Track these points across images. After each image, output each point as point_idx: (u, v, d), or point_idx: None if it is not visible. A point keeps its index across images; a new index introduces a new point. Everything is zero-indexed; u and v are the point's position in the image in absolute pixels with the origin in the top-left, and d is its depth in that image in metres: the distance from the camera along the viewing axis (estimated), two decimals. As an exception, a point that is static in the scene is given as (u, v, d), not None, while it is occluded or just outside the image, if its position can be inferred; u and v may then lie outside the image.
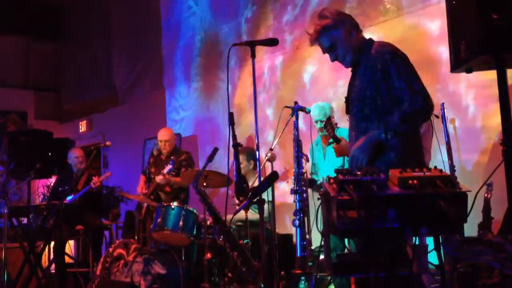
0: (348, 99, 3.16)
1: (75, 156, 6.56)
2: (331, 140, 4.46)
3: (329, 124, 3.74)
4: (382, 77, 2.90)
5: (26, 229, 6.08)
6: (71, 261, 6.84)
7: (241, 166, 5.16)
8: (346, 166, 4.23)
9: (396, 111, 2.85)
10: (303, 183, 3.96)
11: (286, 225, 5.59)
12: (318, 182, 4.83)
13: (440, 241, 2.28)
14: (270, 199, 4.48)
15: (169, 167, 5.36)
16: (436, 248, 2.26)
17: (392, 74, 2.88)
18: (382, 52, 2.95)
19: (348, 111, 3.17)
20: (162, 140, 5.94)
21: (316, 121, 4.87)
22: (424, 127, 4.16)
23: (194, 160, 6.20)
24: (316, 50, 3.31)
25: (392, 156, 2.84)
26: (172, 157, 5.65)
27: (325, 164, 4.89)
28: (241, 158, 5.28)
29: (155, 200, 5.64)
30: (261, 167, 3.33)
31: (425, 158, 3.16)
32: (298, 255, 3.82)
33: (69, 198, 5.97)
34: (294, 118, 4.11)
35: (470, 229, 3.72)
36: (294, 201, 3.88)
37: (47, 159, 7.52)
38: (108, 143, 6.19)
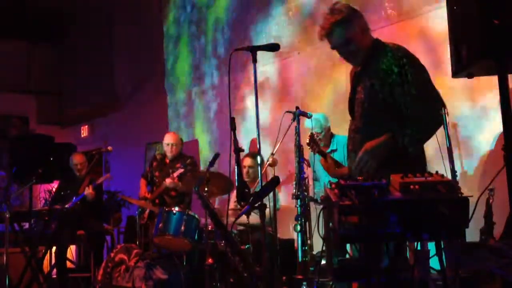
0: (352, 101, 3.06)
1: (74, 163, 6.57)
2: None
3: (312, 141, 3.63)
4: (398, 81, 2.81)
5: (28, 234, 6.07)
6: (72, 266, 6.84)
7: (252, 170, 5.41)
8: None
9: (413, 117, 2.77)
10: (304, 187, 3.95)
11: (288, 230, 5.58)
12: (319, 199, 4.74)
13: (442, 246, 2.28)
14: (273, 204, 4.45)
15: (180, 171, 5.33)
16: (438, 253, 2.26)
17: (409, 79, 2.79)
18: (399, 55, 2.86)
19: (351, 113, 3.09)
20: (169, 143, 5.87)
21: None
22: None
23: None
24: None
25: (403, 162, 2.74)
26: (185, 161, 5.58)
27: (325, 175, 4.71)
28: (253, 162, 5.38)
29: (160, 204, 5.61)
30: (262, 172, 3.31)
31: None
32: (300, 260, 3.81)
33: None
34: (295, 123, 4.09)
35: (472, 234, 3.73)
36: (296, 206, 3.87)
37: (49, 164, 7.52)
38: (109, 148, 6.18)
